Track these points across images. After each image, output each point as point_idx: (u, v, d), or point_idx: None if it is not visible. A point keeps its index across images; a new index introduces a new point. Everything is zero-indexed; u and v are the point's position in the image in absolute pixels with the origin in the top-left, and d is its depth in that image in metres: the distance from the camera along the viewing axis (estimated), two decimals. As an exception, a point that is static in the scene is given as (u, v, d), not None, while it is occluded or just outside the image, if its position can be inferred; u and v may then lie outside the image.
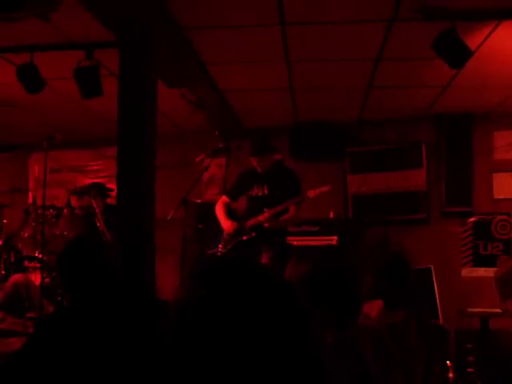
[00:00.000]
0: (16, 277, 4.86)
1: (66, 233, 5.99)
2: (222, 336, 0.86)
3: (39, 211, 5.74)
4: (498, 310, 5.08)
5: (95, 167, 8.22)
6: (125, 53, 4.25)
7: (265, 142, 5.02)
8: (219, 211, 5.17)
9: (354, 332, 1.92)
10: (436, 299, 5.63)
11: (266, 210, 4.86)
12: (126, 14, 3.98)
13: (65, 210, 6.20)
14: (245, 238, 4.95)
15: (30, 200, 6.32)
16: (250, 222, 4.94)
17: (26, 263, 5.56)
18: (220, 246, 5.06)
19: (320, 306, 1.88)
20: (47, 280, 5.42)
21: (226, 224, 5.06)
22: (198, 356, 0.86)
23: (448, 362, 3.18)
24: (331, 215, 7.20)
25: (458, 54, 4.34)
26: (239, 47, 5.03)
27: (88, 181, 7.60)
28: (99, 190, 6.30)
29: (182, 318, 0.91)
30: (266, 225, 4.86)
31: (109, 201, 6.28)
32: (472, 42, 4.56)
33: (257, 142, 5.02)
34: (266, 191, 4.97)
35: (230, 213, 5.18)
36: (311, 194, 4.83)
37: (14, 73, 4.78)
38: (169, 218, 5.01)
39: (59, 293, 5.40)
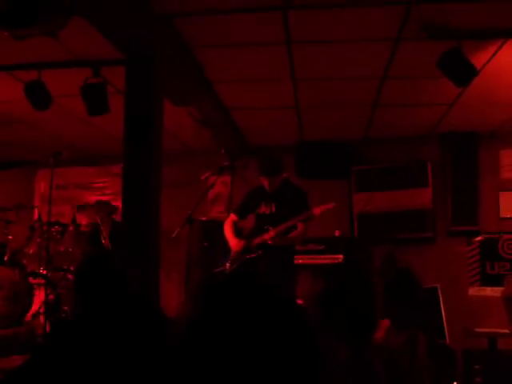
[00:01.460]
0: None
1: (70, 249, 5.99)
2: (228, 350, 0.85)
3: (44, 227, 5.74)
4: (506, 331, 5.04)
5: (101, 184, 8.25)
6: (131, 70, 4.28)
7: (276, 162, 5.01)
8: (227, 229, 5.16)
9: (368, 349, 1.90)
10: (442, 319, 5.58)
11: (270, 228, 4.85)
12: (133, 33, 4.02)
13: (70, 227, 6.20)
14: (251, 256, 4.93)
15: (36, 216, 6.32)
16: (257, 240, 4.93)
17: (31, 280, 5.55)
18: (227, 264, 5.04)
19: (335, 322, 1.86)
20: (51, 297, 5.41)
21: (233, 242, 5.05)
22: (204, 369, 0.85)
23: (455, 382, 3.14)
24: (337, 234, 7.17)
25: (463, 73, 4.35)
26: (245, 65, 5.06)
27: (94, 198, 7.62)
28: (104, 208, 6.31)
29: (189, 332, 0.90)
30: (269, 242, 4.85)
31: (115, 217, 6.28)
32: (477, 60, 4.57)
33: (268, 162, 5.00)
34: (273, 209, 4.96)
35: (238, 231, 5.17)
36: (316, 211, 4.82)
37: (22, 90, 4.82)
38: (174, 236, 5.00)
39: (63, 310, 5.39)
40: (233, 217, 5.23)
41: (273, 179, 4.91)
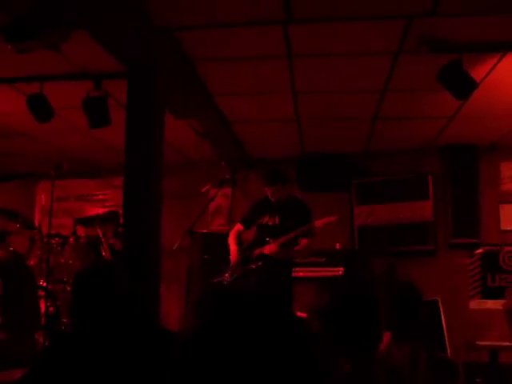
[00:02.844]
0: None
1: (71, 262, 5.97)
2: (230, 363, 0.85)
3: (45, 239, 5.74)
4: (508, 344, 5.02)
5: (102, 196, 8.25)
6: (133, 83, 4.30)
7: (277, 171, 5.05)
8: (231, 239, 5.16)
9: (371, 362, 1.90)
10: (444, 331, 5.56)
11: (271, 240, 4.86)
12: (134, 46, 4.04)
13: (70, 239, 6.19)
14: (251, 267, 4.92)
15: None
16: (257, 252, 4.93)
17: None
18: (226, 274, 5.03)
19: (339, 335, 1.86)
20: (51, 309, 5.39)
21: (233, 252, 5.05)
22: (206, 381, 0.85)
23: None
24: (338, 246, 7.16)
25: (463, 86, 4.37)
26: (246, 78, 5.08)
27: (95, 210, 7.61)
28: (115, 218, 6.30)
29: (190, 344, 0.90)
30: (270, 255, 4.84)
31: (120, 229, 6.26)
32: (477, 73, 4.59)
33: (271, 171, 5.05)
34: (277, 221, 4.97)
35: (241, 242, 5.18)
36: (318, 223, 4.85)
37: (24, 102, 4.84)
38: (174, 248, 5.00)
39: (63, 322, 5.37)
40: (239, 226, 5.24)
41: (276, 188, 4.92)
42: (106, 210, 7.12)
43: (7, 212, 5.86)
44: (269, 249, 4.84)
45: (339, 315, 1.88)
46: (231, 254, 5.06)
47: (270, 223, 4.99)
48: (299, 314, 4.81)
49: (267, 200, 5.04)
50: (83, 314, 2.24)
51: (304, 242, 4.88)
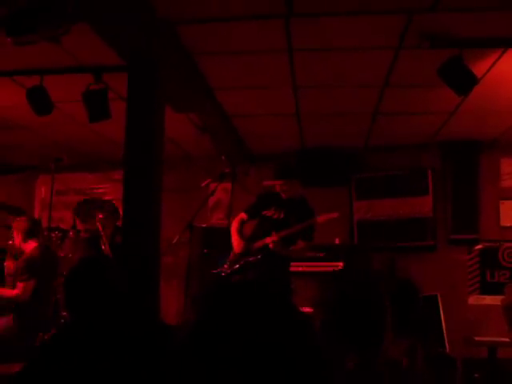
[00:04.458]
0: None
1: (70, 255, 5.97)
2: (231, 356, 0.85)
3: (45, 233, 5.74)
4: (506, 339, 5.03)
5: (101, 190, 8.25)
6: (133, 77, 4.29)
7: (287, 167, 5.07)
8: (233, 228, 5.15)
9: (375, 358, 1.90)
10: (442, 327, 5.57)
11: (273, 233, 4.87)
12: (135, 39, 4.03)
13: (70, 233, 6.19)
14: (250, 259, 4.93)
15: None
16: (258, 244, 4.94)
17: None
18: (225, 265, 5.04)
19: (345, 331, 1.86)
20: (51, 302, 5.39)
21: (235, 242, 5.05)
22: (207, 375, 0.85)
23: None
24: (337, 241, 7.17)
25: (464, 82, 4.36)
26: (247, 73, 5.07)
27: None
28: (111, 209, 6.29)
29: (191, 338, 0.90)
30: (270, 246, 4.86)
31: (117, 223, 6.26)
32: (478, 69, 4.59)
33: (284, 165, 5.07)
34: (281, 216, 4.98)
35: (243, 232, 5.18)
36: (320, 219, 4.88)
37: (24, 95, 4.83)
38: (174, 242, 5.00)
39: (62, 316, 5.37)
40: (243, 215, 5.22)
41: (285, 182, 4.92)
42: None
43: (7, 207, 5.87)
44: (270, 240, 4.86)
45: (346, 309, 1.87)
46: (234, 242, 5.05)
47: (274, 217, 4.99)
48: (303, 309, 4.85)
49: (276, 194, 5.05)
50: (79, 308, 2.24)
51: (301, 244, 4.93)
